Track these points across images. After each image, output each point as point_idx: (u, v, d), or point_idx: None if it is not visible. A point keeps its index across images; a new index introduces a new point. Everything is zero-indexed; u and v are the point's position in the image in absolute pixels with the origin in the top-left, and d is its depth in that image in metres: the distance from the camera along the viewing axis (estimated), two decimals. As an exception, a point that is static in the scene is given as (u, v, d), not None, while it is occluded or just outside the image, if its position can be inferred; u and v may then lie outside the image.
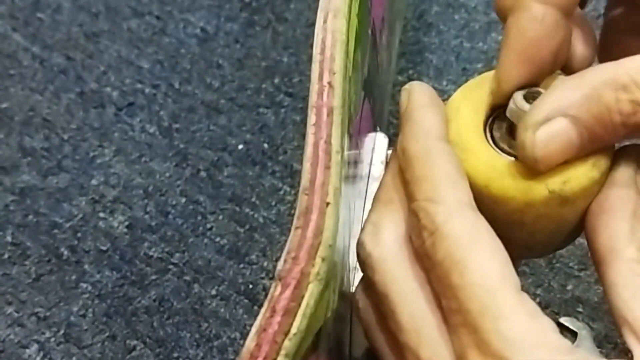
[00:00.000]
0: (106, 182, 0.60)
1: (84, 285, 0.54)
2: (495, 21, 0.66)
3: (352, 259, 0.30)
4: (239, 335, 0.52)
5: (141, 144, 0.62)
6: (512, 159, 0.28)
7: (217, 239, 0.56)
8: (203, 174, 0.60)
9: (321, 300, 0.24)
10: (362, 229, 0.28)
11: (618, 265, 0.25)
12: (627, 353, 0.24)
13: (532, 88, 0.27)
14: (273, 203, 0.58)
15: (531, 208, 0.27)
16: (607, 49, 0.31)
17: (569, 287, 0.52)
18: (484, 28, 0.67)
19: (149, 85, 0.66)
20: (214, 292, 0.54)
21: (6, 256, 0.56)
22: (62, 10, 0.72)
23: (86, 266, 0.55)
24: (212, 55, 0.67)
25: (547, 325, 0.24)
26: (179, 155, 0.61)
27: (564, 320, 0.50)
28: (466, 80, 0.30)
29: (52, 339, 0.52)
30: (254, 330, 0.23)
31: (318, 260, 0.24)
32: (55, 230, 0.57)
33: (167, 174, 0.60)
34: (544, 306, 0.51)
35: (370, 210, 0.29)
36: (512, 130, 0.28)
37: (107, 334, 0.52)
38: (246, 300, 0.53)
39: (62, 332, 0.52)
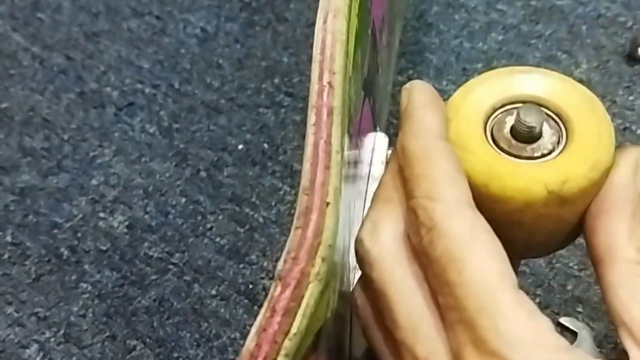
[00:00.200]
0: (106, 182, 0.60)
1: (84, 285, 0.54)
2: (495, 21, 0.66)
3: (352, 259, 0.30)
4: (239, 335, 0.52)
5: (141, 144, 0.62)
6: (512, 158, 0.28)
7: (217, 239, 0.56)
8: (203, 174, 0.60)
9: (321, 300, 0.24)
10: (361, 227, 0.28)
11: (616, 266, 0.25)
12: (626, 353, 0.24)
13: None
14: (273, 203, 0.58)
15: (530, 208, 0.27)
16: None
17: (569, 287, 0.52)
18: (484, 28, 0.66)
19: (149, 85, 0.66)
20: (214, 292, 0.54)
21: (6, 256, 0.56)
22: (62, 10, 0.72)
23: (86, 266, 0.55)
24: (212, 55, 0.67)
25: (544, 324, 0.24)
26: (179, 155, 0.61)
27: (564, 320, 0.50)
28: (466, 80, 0.30)
29: (52, 339, 0.52)
30: (254, 330, 0.23)
31: (318, 260, 0.24)
32: (55, 230, 0.57)
33: (167, 174, 0.60)
34: (544, 306, 0.51)
35: (369, 208, 0.29)
36: (512, 130, 0.28)
37: (107, 334, 0.52)
38: (246, 300, 0.53)
39: (62, 332, 0.52)
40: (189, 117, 0.63)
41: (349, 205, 0.32)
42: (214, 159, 0.61)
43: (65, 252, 0.56)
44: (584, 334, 0.49)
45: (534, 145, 0.28)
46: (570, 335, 0.50)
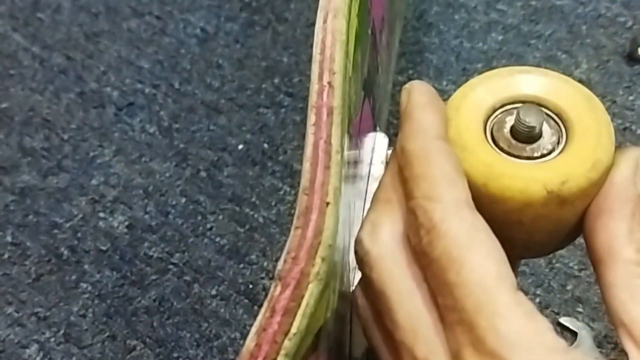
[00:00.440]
0: (106, 182, 0.60)
1: (84, 285, 0.54)
2: (495, 21, 0.66)
3: (352, 259, 0.30)
4: (239, 335, 0.52)
5: (141, 144, 0.62)
6: (512, 158, 0.28)
7: (217, 239, 0.56)
8: (203, 174, 0.60)
9: (321, 300, 0.24)
10: (361, 227, 0.28)
11: (616, 267, 0.25)
12: (626, 354, 0.24)
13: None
14: (273, 203, 0.58)
15: (530, 208, 0.27)
16: None
17: (569, 287, 0.52)
18: (484, 28, 0.67)
19: (149, 85, 0.66)
20: (214, 292, 0.54)
21: (6, 256, 0.56)
22: (62, 10, 0.72)
23: (86, 266, 0.55)
24: (212, 55, 0.67)
25: (543, 324, 0.24)
26: (179, 155, 0.61)
27: (564, 320, 0.50)
28: (466, 80, 0.30)
29: (52, 339, 0.52)
30: (254, 330, 0.23)
31: (318, 260, 0.24)
32: (55, 230, 0.57)
33: (167, 174, 0.60)
34: (544, 306, 0.51)
35: (369, 209, 0.29)
36: (512, 130, 0.28)
37: (107, 334, 0.52)
38: (246, 300, 0.53)
39: (62, 332, 0.52)
40: (189, 117, 0.63)
41: (349, 205, 0.32)
42: (214, 159, 0.61)
43: (65, 252, 0.56)
44: (584, 334, 0.49)
45: (534, 145, 0.28)
46: (570, 335, 0.50)
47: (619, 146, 0.28)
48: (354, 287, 0.30)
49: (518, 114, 0.28)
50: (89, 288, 0.54)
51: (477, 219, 0.25)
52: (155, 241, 0.56)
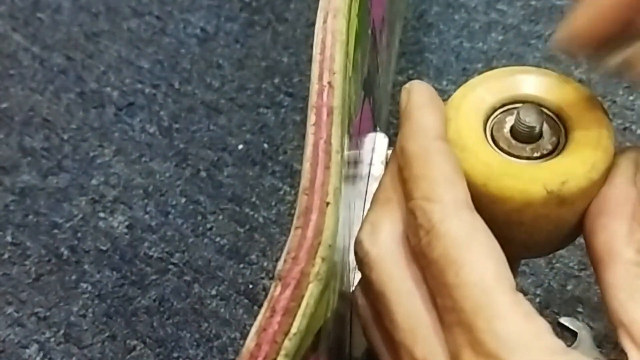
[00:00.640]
0: (106, 182, 0.60)
1: (84, 285, 0.54)
2: (495, 21, 0.66)
3: (352, 259, 0.30)
4: (239, 335, 0.52)
5: (141, 144, 0.62)
6: (512, 158, 0.28)
7: (217, 239, 0.56)
8: (203, 174, 0.60)
9: (321, 300, 0.24)
10: (360, 228, 0.28)
11: (615, 267, 0.25)
12: (626, 354, 0.25)
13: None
14: (273, 203, 0.58)
15: (529, 208, 0.27)
16: None
17: (569, 287, 0.52)
18: (484, 28, 0.67)
19: (149, 85, 0.66)
20: (214, 292, 0.54)
21: (6, 256, 0.56)
22: (62, 10, 0.72)
23: (86, 266, 0.55)
24: (212, 55, 0.67)
25: (541, 325, 0.24)
26: (179, 155, 0.61)
27: (564, 320, 0.50)
28: (466, 80, 0.30)
29: (52, 339, 0.52)
30: (254, 330, 0.23)
31: (318, 260, 0.24)
32: (55, 230, 0.57)
33: (167, 174, 0.60)
34: (544, 306, 0.51)
35: (369, 209, 0.29)
36: (512, 130, 0.28)
37: (107, 334, 0.52)
38: (246, 300, 0.53)
39: (62, 332, 0.52)
40: (189, 117, 0.63)
41: (349, 205, 0.32)
42: (214, 159, 0.61)
43: (65, 252, 0.56)
44: (584, 334, 0.49)
45: (534, 145, 0.28)
46: (570, 335, 0.50)
47: (619, 146, 0.28)
48: (354, 287, 0.30)
49: (518, 114, 0.28)
50: (89, 288, 0.54)
51: (476, 220, 0.25)
52: (155, 241, 0.56)
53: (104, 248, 0.56)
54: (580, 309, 0.51)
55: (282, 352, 0.23)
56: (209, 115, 0.63)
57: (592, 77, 0.62)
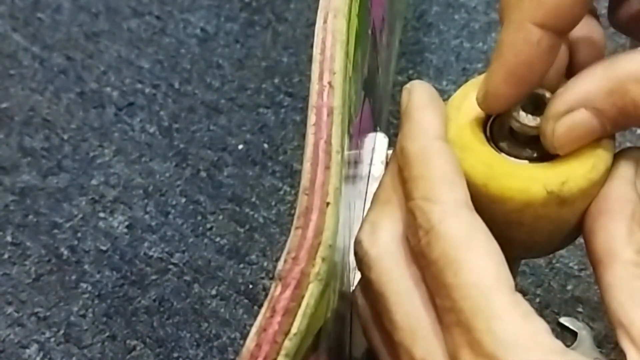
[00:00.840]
0: (106, 182, 0.60)
1: (84, 285, 0.54)
2: (495, 21, 0.66)
3: (352, 259, 0.30)
4: (239, 335, 0.52)
5: (141, 144, 0.62)
6: (512, 158, 0.28)
7: (217, 239, 0.56)
8: (203, 174, 0.60)
9: (321, 300, 0.24)
10: (360, 228, 0.28)
11: (615, 268, 0.25)
12: (625, 354, 0.25)
13: (534, 91, 0.27)
14: (273, 203, 0.58)
15: (529, 208, 0.27)
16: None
17: (569, 287, 0.52)
18: (484, 28, 0.67)
19: (149, 85, 0.66)
20: (214, 292, 0.54)
21: (6, 256, 0.56)
22: (62, 10, 0.72)
23: (86, 266, 0.55)
24: (212, 55, 0.67)
25: (540, 326, 0.24)
26: (179, 155, 0.61)
27: (564, 320, 0.50)
28: (466, 80, 0.30)
29: (52, 339, 0.52)
30: (254, 330, 0.23)
31: (318, 260, 0.24)
32: (55, 230, 0.57)
33: (167, 174, 0.60)
34: (544, 306, 0.51)
35: (369, 209, 0.29)
36: (512, 131, 0.28)
37: (107, 334, 0.52)
38: (246, 300, 0.53)
39: (62, 332, 0.52)
40: (189, 117, 0.63)
41: (349, 206, 0.32)
42: (214, 159, 0.61)
43: (65, 252, 0.56)
44: (584, 334, 0.49)
45: (534, 145, 0.28)
46: (570, 335, 0.50)
47: (619, 146, 0.28)
48: (354, 287, 0.30)
49: (518, 114, 0.28)
50: (89, 288, 0.54)
51: (476, 220, 0.25)
52: (155, 241, 0.56)
53: (104, 248, 0.56)
54: (580, 309, 0.51)
55: (283, 352, 0.23)
56: (209, 115, 0.63)
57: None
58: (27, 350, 0.52)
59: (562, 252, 0.52)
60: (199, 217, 0.57)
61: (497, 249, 0.25)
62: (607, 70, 0.26)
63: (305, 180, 0.25)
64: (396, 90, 0.60)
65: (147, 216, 0.58)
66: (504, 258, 0.25)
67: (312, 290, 0.24)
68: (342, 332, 0.33)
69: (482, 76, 0.29)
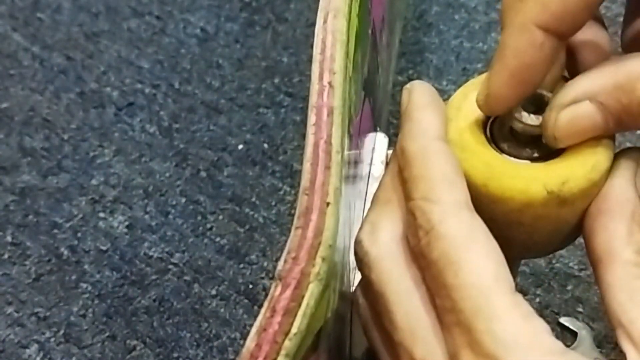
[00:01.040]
0: (106, 182, 0.60)
1: (84, 285, 0.54)
2: (495, 21, 0.66)
3: (352, 259, 0.30)
4: (239, 335, 0.52)
5: (141, 144, 0.62)
6: (512, 159, 0.28)
7: (217, 239, 0.56)
8: (203, 174, 0.60)
9: (321, 300, 0.24)
10: (360, 228, 0.28)
11: (615, 268, 0.25)
12: (625, 355, 0.25)
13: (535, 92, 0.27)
14: (273, 203, 0.58)
15: (529, 208, 0.27)
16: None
17: (569, 287, 0.52)
18: (484, 28, 0.67)
19: (149, 85, 0.66)
20: (214, 292, 0.54)
21: (6, 256, 0.56)
22: (62, 10, 0.72)
23: (86, 266, 0.55)
24: (212, 55, 0.67)
25: (540, 326, 0.24)
26: (179, 155, 0.61)
27: (564, 320, 0.50)
28: (466, 80, 0.30)
29: (52, 339, 0.52)
30: (254, 330, 0.23)
31: (318, 260, 0.24)
32: (55, 230, 0.57)
33: (167, 174, 0.60)
34: (544, 306, 0.51)
35: (369, 209, 0.29)
36: (512, 131, 0.28)
37: (107, 334, 0.52)
38: (246, 300, 0.53)
39: (62, 332, 0.52)
40: (189, 117, 0.63)
41: (349, 206, 0.32)
42: (214, 159, 0.61)
43: (65, 252, 0.56)
44: (584, 334, 0.49)
45: (534, 145, 0.28)
46: (570, 335, 0.50)
47: (619, 146, 0.28)
48: (354, 287, 0.30)
49: (519, 114, 0.28)
50: (89, 288, 0.54)
51: (476, 221, 0.25)
52: (155, 241, 0.56)
53: (104, 248, 0.56)
54: (580, 309, 0.51)
55: (283, 352, 0.23)
56: (209, 115, 0.63)
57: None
58: (27, 350, 0.52)
59: (562, 252, 0.52)
60: (199, 217, 0.57)
61: (497, 249, 0.25)
62: (615, 67, 0.26)
63: (305, 180, 0.25)
64: (396, 90, 0.60)
65: (147, 216, 0.58)
66: (504, 258, 0.25)
67: (312, 290, 0.24)
68: (342, 332, 0.33)
69: (482, 76, 0.29)
